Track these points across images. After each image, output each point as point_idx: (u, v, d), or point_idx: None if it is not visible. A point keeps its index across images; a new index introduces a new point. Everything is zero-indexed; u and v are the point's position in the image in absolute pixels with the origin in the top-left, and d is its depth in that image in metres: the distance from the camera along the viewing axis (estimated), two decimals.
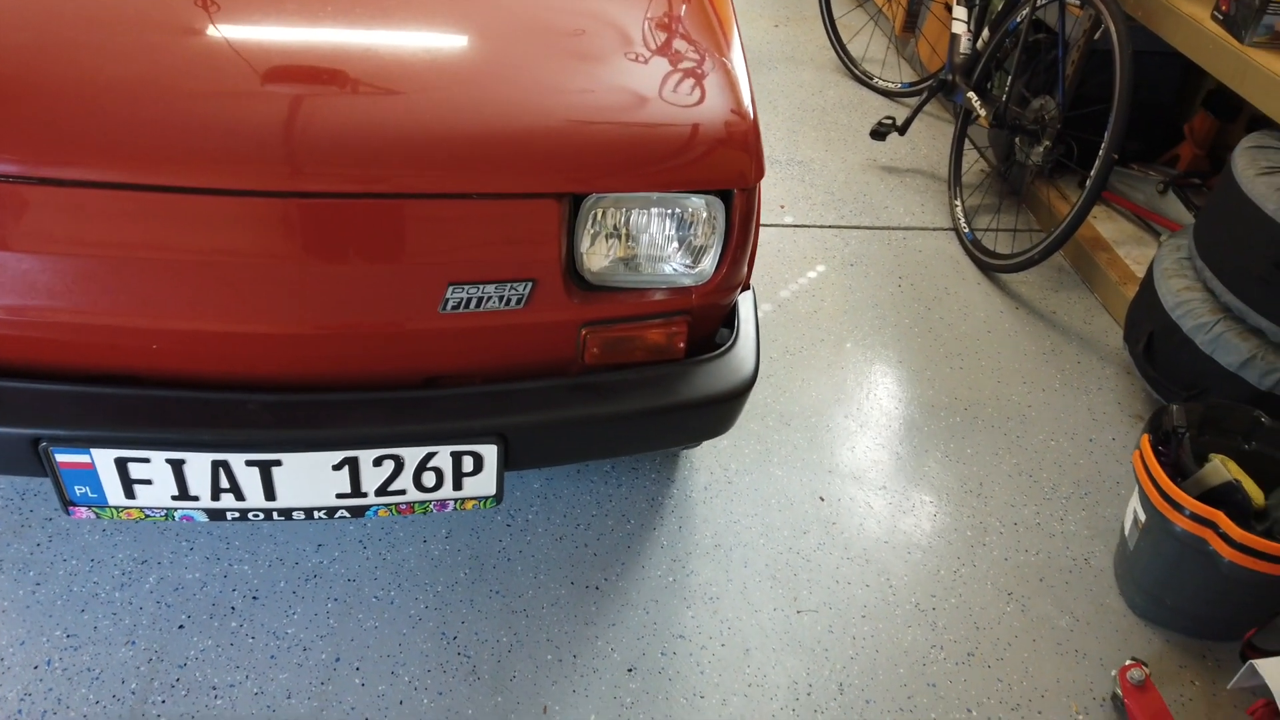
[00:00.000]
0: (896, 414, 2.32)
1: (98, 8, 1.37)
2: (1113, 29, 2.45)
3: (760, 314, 2.60)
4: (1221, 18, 2.33)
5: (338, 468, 1.37)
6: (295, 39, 1.37)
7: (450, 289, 1.34)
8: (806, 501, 2.07)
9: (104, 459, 1.31)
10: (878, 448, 2.22)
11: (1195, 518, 1.68)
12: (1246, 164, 2.07)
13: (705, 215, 1.40)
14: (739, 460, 2.15)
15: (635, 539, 1.94)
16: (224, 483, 1.36)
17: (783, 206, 3.08)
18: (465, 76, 1.36)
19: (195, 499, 1.38)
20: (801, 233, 2.98)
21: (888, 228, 3.04)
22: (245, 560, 1.81)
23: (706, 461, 2.14)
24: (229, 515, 1.41)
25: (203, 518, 1.41)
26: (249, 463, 1.35)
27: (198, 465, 1.34)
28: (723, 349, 1.53)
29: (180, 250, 1.27)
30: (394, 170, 1.26)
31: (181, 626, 1.69)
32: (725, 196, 1.42)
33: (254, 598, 1.75)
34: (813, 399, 2.34)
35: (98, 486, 1.34)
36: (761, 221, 2.99)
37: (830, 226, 3.02)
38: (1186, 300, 2.15)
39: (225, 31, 1.35)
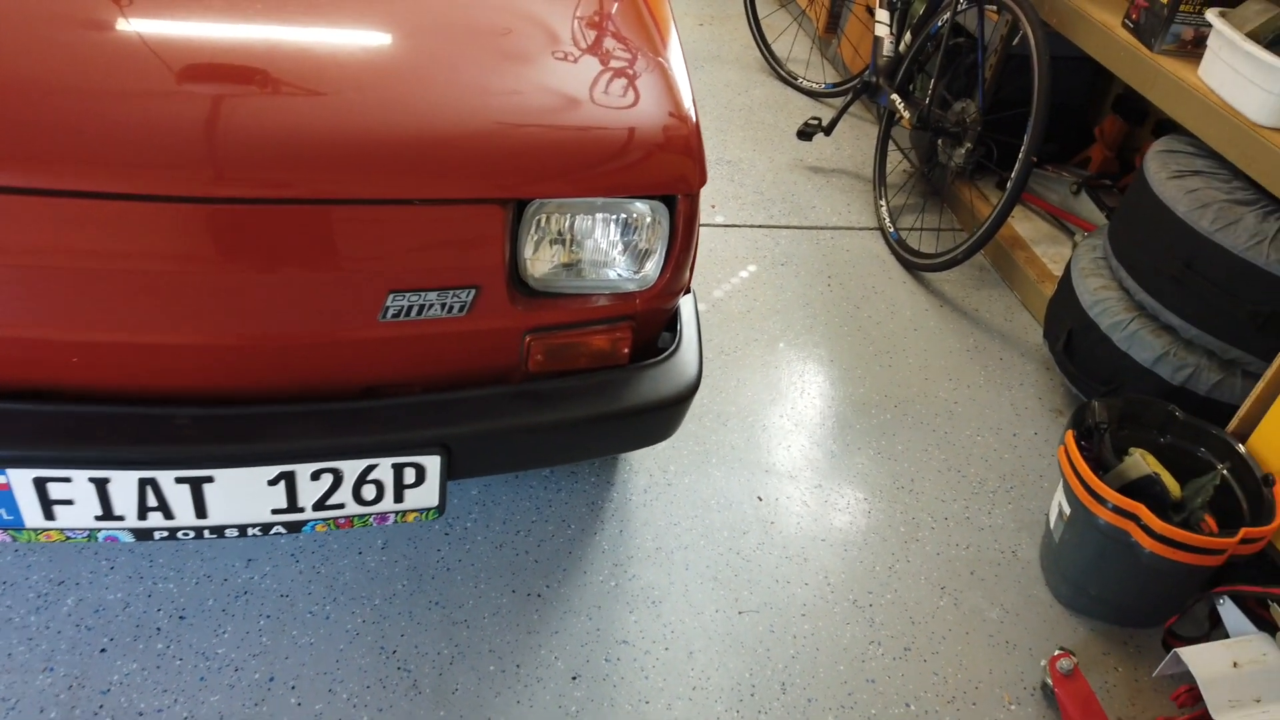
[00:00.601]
0: (829, 412, 2.35)
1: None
2: (1030, 35, 2.53)
3: None
4: (1132, 26, 2.42)
5: (273, 482, 1.33)
6: (219, 35, 1.32)
7: (390, 296, 1.30)
8: (745, 502, 2.08)
9: (20, 479, 1.24)
10: (812, 446, 2.25)
11: (1118, 510, 1.74)
12: (1158, 168, 2.16)
13: (650, 220, 1.40)
14: (678, 462, 2.15)
15: (576, 544, 1.93)
16: (152, 501, 1.30)
17: (714, 206, 3.10)
18: (406, 78, 1.32)
19: (120, 519, 1.32)
20: (733, 232, 3.00)
21: (816, 227, 3.08)
22: (170, 578, 1.73)
23: (646, 464, 2.14)
24: (157, 535, 1.35)
25: (129, 538, 1.34)
26: (179, 480, 1.29)
27: (123, 484, 1.28)
28: (666, 354, 1.53)
29: (100, 258, 1.20)
30: (331, 175, 1.22)
31: (104, 650, 1.61)
32: (669, 201, 1.41)
33: (181, 617, 1.68)
34: (748, 398, 2.36)
35: (14, 508, 1.27)
36: None
37: (760, 226, 3.05)
38: (1103, 299, 2.24)
39: (142, 27, 1.29)
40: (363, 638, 1.69)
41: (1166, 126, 2.95)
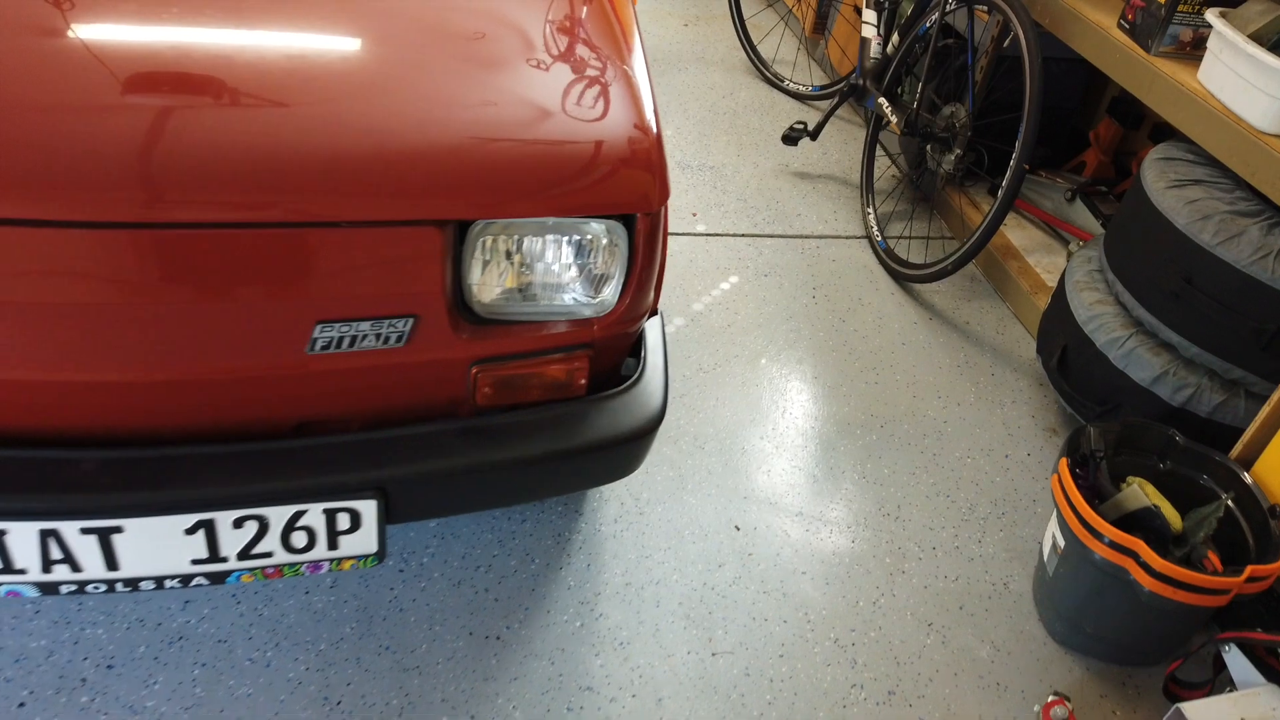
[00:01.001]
0: (812, 433, 2.24)
1: None
2: (1022, 37, 2.42)
3: (673, 329, 2.49)
4: (1128, 27, 2.31)
5: (191, 531, 1.21)
6: (124, 44, 1.20)
7: (318, 328, 1.18)
8: (721, 531, 1.97)
9: None
10: (794, 470, 2.13)
11: (1115, 546, 1.63)
12: (1156, 176, 2.05)
13: (605, 242, 1.28)
14: (651, 489, 2.04)
15: (540, 581, 1.81)
16: (56, 554, 1.18)
17: (695, 214, 2.98)
18: (335, 90, 1.20)
19: (22, 572, 1.20)
20: (714, 242, 2.88)
21: (801, 236, 2.97)
22: (100, 623, 1.61)
23: (617, 491, 2.02)
24: (63, 589, 1.23)
25: (33, 592, 1.22)
26: (84, 530, 1.17)
27: (22, 536, 1.16)
28: (628, 384, 1.41)
29: (9, 291, 1.08)
30: (247, 197, 1.10)
31: (23, 704, 1.49)
32: (627, 220, 1.30)
33: (109, 666, 1.56)
34: (727, 419, 2.24)
35: None
36: (673, 230, 2.88)
37: (743, 235, 2.93)
38: (1099, 314, 2.13)
39: (34, 36, 1.17)
40: (305, 687, 1.57)
41: (1164, 130, 2.84)
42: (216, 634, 1.63)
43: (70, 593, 1.23)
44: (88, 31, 1.19)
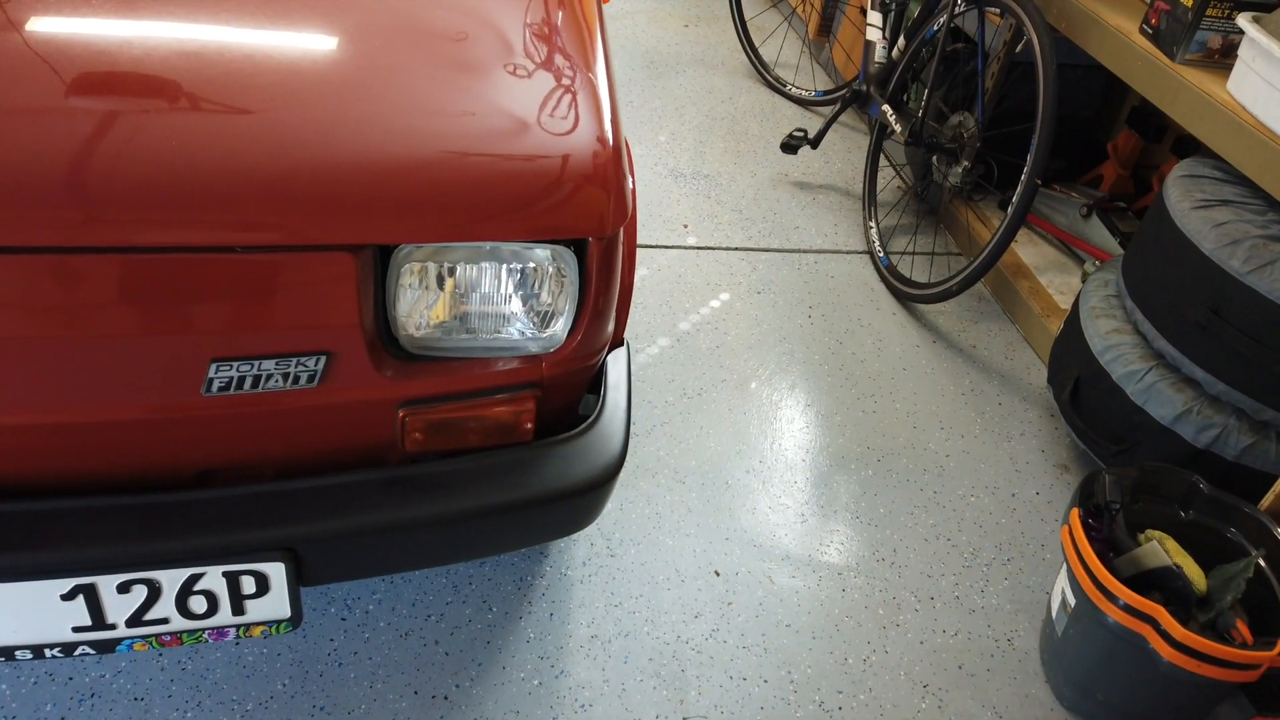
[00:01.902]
0: (803, 467, 2.07)
1: None
2: (1036, 42, 2.25)
3: (656, 350, 2.33)
4: (1151, 32, 2.14)
5: (68, 597, 1.05)
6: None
7: (214, 366, 1.03)
8: (700, 577, 1.80)
9: None
10: (781, 508, 1.97)
11: (1131, 611, 1.46)
12: (1180, 195, 1.87)
13: (552, 270, 1.12)
14: (625, 527, 1.87)
15: (497, 632, 1.65)
16: None
17: (686, 226, 2.82)
18: (224, 93, 1.04)
19: None
20: (705, 255, 2.72)
21: (799, 250, 2.80)
22: (3, 677, 1.46)
23: (588, 530, 1.86)
24: None
25: None
26: None
27: None
28: (581, 428, 1.25)
29: None
30: (124, 216, 0.95)
31: None
32: (579, 246, 1.14)
33: None
34: (711, 450, 2.08)
35: None
36: (662, 243, 2.72)
37: (737, 249, 2.77)
38: (1116, 344, 1.95)
39: None
40: None
41: (1188, 144, 2.66)
42: (133, 690, 1.47)
43: None
44: None
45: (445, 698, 1.54)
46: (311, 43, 1.16)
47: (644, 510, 1.92)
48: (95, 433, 1.03)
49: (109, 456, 1.06)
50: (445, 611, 1.66)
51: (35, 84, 1.00)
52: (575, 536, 1.84)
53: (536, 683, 1.58)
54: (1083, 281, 2.55)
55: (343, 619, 1.62)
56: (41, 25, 1.07)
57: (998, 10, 2.48)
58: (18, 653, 1.09)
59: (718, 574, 1.81)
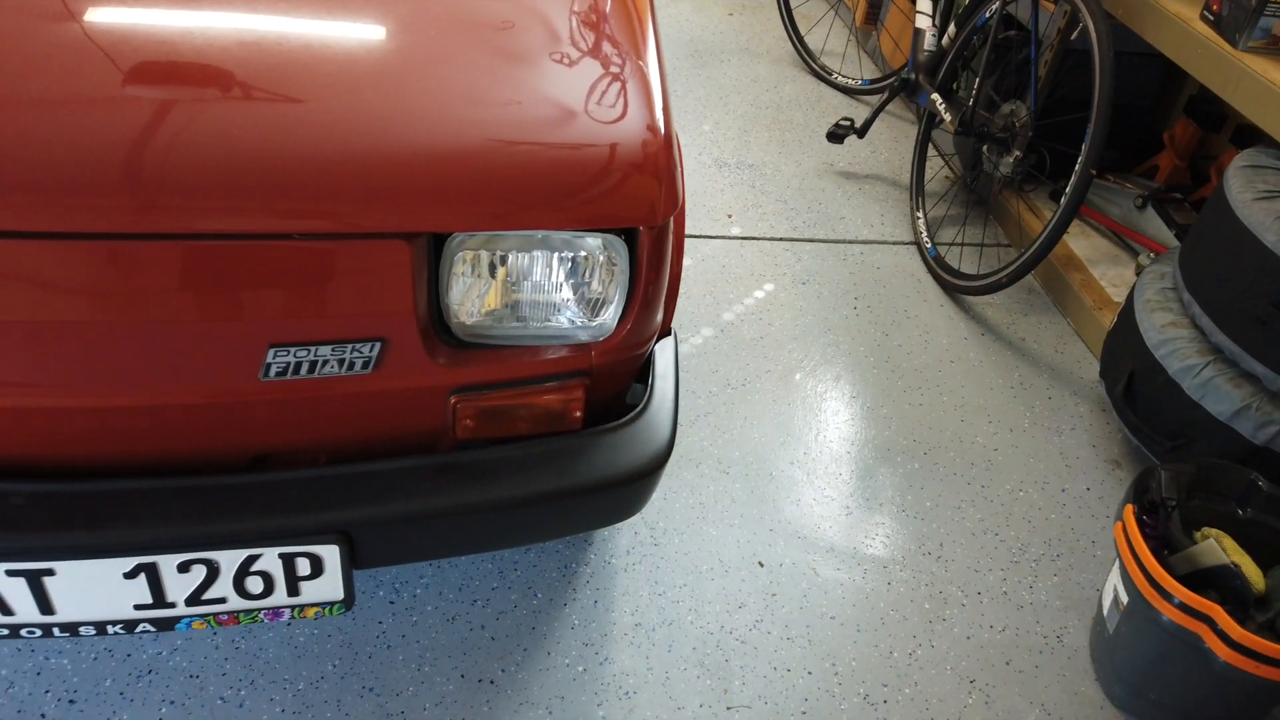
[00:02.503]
0: (848, 459, 2.06)
1: None
2: (1092, 29, 2.20)
3: (700, 340, 2.33)
4: (1212, 19, 2.09)
5: (131, 575, 1.08)
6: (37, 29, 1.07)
7: (271, 352, 1.04)
8: (743, 568, 1.80)
9: None
10: (826, 500, 1.96)
11: (1187, 609, 1.43)
12: (1242, 186, 1.83)
13: (603, 259, 1.12)
14: (669, 517, 1.88)
15: (542, 618, 1.66)
16: None
17: (730, 216, 2.81)
18: (280, 82, 1.06)
19: None
20: (750, 246, 2.70)
21: (844, 241, 2.78)
22: (65, 652, 1.50)
23: (632, 519, 1.86)
24: None
25: None
26: (10, 573, 1.05)
27: None
28: (629, 416, 1.25)
29: None
30: (186, 204, 0.96)
31: None
32: (630, 234, 1.14)
33: (71, 701, 1.44)
34: (755, 442, 2.07)
35: None
36: (706, 233, 2.72)
37: (781, 239, 2.75)
38: (1172, 338, 1.91)
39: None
40: None
41: (1248, 133, 2.59)
42: (189, 668, 1.51)
43: (3, 637, 1.11)
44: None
45: (491, 682, 1.55)
46: (362, 32, 1.17)
47: (688, 500, 1.92)
48: (157, 416, 1.05)
49: (170, 440, 1.09)
50: (491, 597, 1.68)
51: (93, 74, 1.02)
52: (619, 525, 1.84)
53: (581, 669, 1.59)
54: (1137, 274, 2.50)
55: (391, 602, 1.64)
56: (98, 16, 1.09)
57: None
58: (82, 628, 1.12)
59: (762, 565, 1.81)
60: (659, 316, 1.24)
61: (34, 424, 1.04)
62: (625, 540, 1.82)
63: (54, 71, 1.02)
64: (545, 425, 1.21)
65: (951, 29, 2.80)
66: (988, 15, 2.62)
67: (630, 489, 1.24)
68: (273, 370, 1.05)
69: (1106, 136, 2.16)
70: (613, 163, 1.09)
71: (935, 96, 2.75)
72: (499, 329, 1.15)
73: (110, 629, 1.13)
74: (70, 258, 0.97)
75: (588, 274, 1.13)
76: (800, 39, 3.72)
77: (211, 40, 1.08)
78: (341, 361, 1.07)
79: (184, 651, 1.53)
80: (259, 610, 1.17)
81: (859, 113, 3.45)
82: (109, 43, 1.06)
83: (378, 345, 1.07)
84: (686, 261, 2.61)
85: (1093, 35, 2.19)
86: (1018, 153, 2.44)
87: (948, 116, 2.66)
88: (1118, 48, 2.22)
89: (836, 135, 3.07)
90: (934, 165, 3.09)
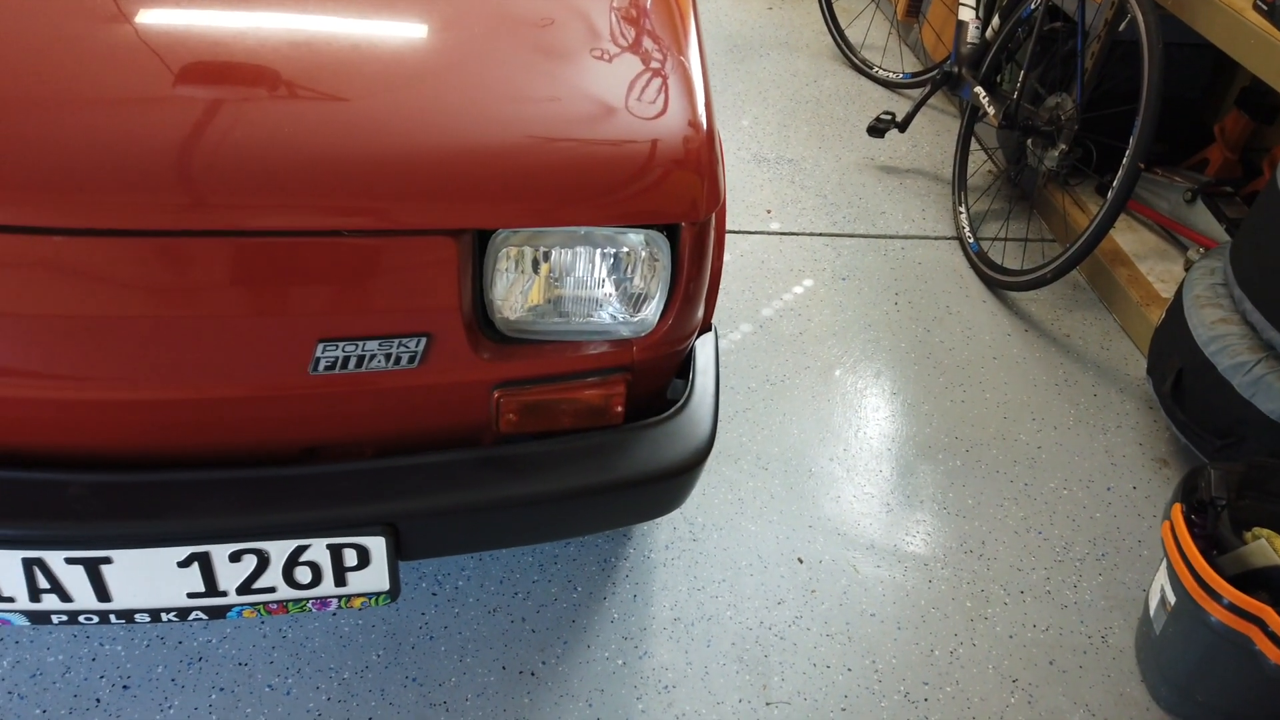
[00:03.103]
0: (888, 456, 2.05)
1: None
2: (1140, 20, 2.16)
3: (739, 336, 2.33)
4: (1266, 9, 2.04)
5: (184, 564, 1.11)
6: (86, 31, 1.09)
7: (321, 347, 1.06)
8: (783, 564, 1.80)
9: None
10: (866, 497, 1.95)
11: (1237, 610, 1.41)
12: None
13: (645, 255, 1.13)
14: (707, 513, 1.88)
15: (582, 612, 1.67)
16: (43, 583, 1.10)
17: (769, 211, 2.80)
18: (336, 86, 1.08)
19: (10, 600, 1.12)
20: (789, 241, 2.70)
21: (884, 236, 2.76)
22: (119, 639, 1.54)
23: (670, 514, 1.87)
24: (55, 619, 1.14)
25: (23, 621, 1.14)
26: (70, 560, 1.08)
27: (5, 564, 1.07)
28: (671, 411, 1.26)
29: None
30: (238, 202, 0.99)
31: None
32: (671, 230, 1.14)
33: (124, 687, 1.48)
34: (794, 437, 2.07)
35: None
36: (745, 228, 2.71)
37: (821, 234, 2.73)
38: (1222, 335, 1.87)
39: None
40: (324, 719, 1.48)
41: None
42: (238, 656, 1.54)
43: (62, 623, 1.15)
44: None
45: (532, 674, 1.57)
46: (405, 31, 1.19)
47: (726, 496, 1.92)
48: (211, 409, 1.08)
49: (223, 432, 1.11)
50: (531, 590, 1.70)
51: (145, 74, 1.05)
52: (658, 520, 1.85)
53: (620, 662, 1.60)
54: (1186, 269, 2.46)
55: (433, 594, 1.67)
56: (148, 18, 1.12)
57: None
58: (137, 615, 1.16)
59: (801, 561, 1.81)
60: (700, 312, 1.25)
61: (93, 416, 1.07)
62: (664, 535, 1.83)
63: (108, 72, 1.04)
64: (587, 420, 1.22)
65: (995, 21, 2.77)
66: (1033, 7, 2.58)
67: (671, 484, 1.24)
68: (322, 365, 1.08)
69: (1155, 129, 2.13)
70: (655, 159, 1.10)
71: (979, 90, 2.72)
72: (542, 324, 1.16)
73: (164, 616, 1.16)
74: (127, 254, 0.99)
75: (630, 270, 1.14)
76: (840, 32, 3.69)
77: (259, 40, 1.10)
78: (388, 356, 1.09)
79: (233, 640, 1.56)
80: (307, 600, 1.19)
81: (900, 107, 3.42)
82: (160, 44, 1.08)
83: (423, 340, 1.09)
84: (725, 257, 2.60)
85: (1141, 26, 2.15)
86: (1063, 146, 2.41)
87: (991, 110, 2.63)
88: (1166, 39, 2.18)
89: (877, 129, 3.05)
90: (976, 159, 3.05)
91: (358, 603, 1.21)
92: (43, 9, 1.11)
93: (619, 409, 1.22)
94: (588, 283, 1.14)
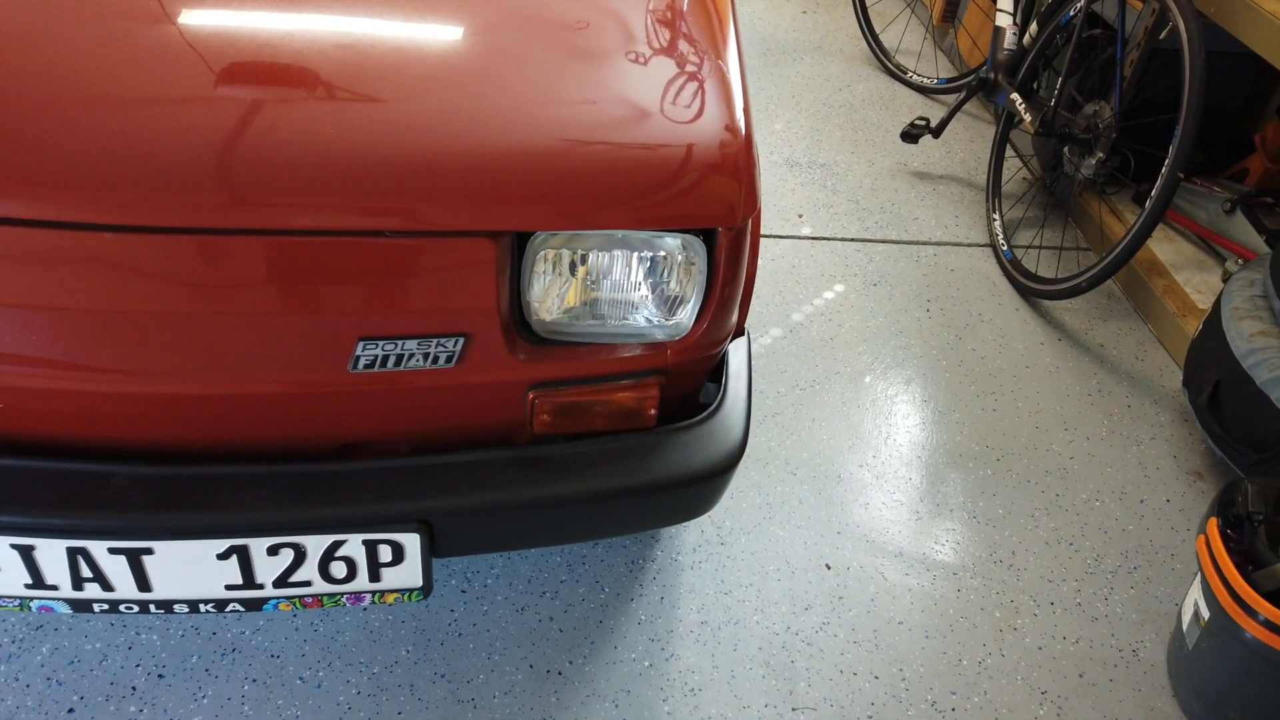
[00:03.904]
0: (918, 464, 2.04)
1: None
2: (1182, 28, 2.14)
3: (769, 340, 2.33)
4: None
5: (223, 557, 1.13)
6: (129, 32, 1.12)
7: (361, 345, 1.08)
8: (810, 569, 1.80)
9: None
10: (895, 505, 1.94)
11: (1272, 626, 1.39)
12: None
13: (681, 259, 1.13)
14: (735, 517, 1.88)
15: (609, 612, 1.68)
16: (86, 572, 1.12)
17: (800, 216, 2.80)
18: (376, 88, 1.09)
19: (54, 588, 1.14)
20: (820, 246, 2.69)
21: (917, 242, 2.74)
22: (155, 628, 1.57)
23: (698, 518, 1.87)
24: (96, 607, 1.17)
25: (65, 609, 1.17)
26: (113, 550, 1.10)
27: (50, 552, 1.10)
28: (703, 415, 1.26)
29: (26, 294, 1.02)
30: (265, 200, 1.00)
31: (71, 710, 1.45)
32: (708, 234, 1.15)
33: (160, 675, 1.51)
34: (823, 443, 2.06)
35: None
36: (776, 233, 2.71)
37: (853, 240, 2.73)
38: (1261, 348, 1.85)
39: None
40: (354, 713, 1.49)
41: None
42: (270, 648, 1.56)
43: (103, 611, 1.17)
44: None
45: (559, 673, 1.58)
46: (442, 33, 1.20)
47: (755, 500, 1.92)
48: (253, 405, 1.10)
49: (264, 427, 1.13)
50: (559, 589, 1.71)
51: (187, 75, 1.07)
52: (687, 523, 1.85)
53: (647, 664, 1.61)
54: (1224, 280, 2.42)
55: (463, 591, 1.68)
56: (190, 19, 1.14)
57: None
58: (176, 606, 1.18)
59: (829, 567, 1.80)
60: (734, 317, 1.25)
61: (137, 410, 1.09)
62: (692, 538, 1.83)
63: (153, 72, 1.06)
64: (620, 422, 1.22)
65: (1033, 27, 2.75)
66: (1072, 13, 2.56)
67: (703, 487, 1.25)
68: (361, 363, 1.09)
69: (1195, 138, 2.10)
70: (693, 163, 1.11)
71: (1015, 96, 2.70)
72: (577, 326, 1.17)
73: (202, 607, 1.18)
74: (174, 251, 1.01)
75: (666, 273, 1.14)
76: (875, 37, 3.68)
77: (300, 42, 1.12)
78: (426, 355, 1.10)
79: (265, 632, 1.59)
80: (341, 594, 1.21)
81: (934, 112, 3.41)
82: (201, 45, 1.10)
83: (461, 340, 1.10)
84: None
85: (1183, 34, 2.13)
86: (1100, 154, 2.39)
87: (1028, 117, 2.61)
88: (1208, 46, 2.15)
89: (911, 135, 3.03)
90: (1012, 166, 3.03)
91: (391, 598, 1.23)
92: (90, 11, 1.13)
93: (652, 412, 1.23)
94: (624, 286, 1.15)
